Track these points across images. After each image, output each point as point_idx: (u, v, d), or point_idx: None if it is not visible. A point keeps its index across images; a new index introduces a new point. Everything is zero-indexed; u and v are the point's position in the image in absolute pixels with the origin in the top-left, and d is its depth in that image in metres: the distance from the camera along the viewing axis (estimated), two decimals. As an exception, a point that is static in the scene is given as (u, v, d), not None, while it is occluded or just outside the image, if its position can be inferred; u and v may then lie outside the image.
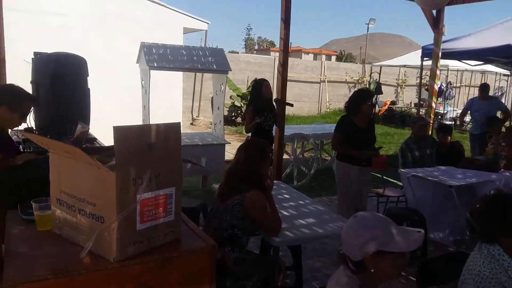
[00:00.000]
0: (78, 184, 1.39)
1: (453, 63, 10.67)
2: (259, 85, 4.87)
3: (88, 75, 3.49)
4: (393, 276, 1.50)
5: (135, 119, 5.96)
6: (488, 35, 6.59)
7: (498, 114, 7.17)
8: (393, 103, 16.02)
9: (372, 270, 1.45)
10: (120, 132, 1.27)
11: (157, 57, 5.02)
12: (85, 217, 1.37)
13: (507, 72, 13.51)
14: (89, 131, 3.07)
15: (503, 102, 15.45)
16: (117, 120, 6.22)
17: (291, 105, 5.19)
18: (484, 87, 6.84)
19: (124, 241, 1.31)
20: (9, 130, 2.98)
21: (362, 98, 3.95)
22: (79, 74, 3.35)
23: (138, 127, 1.37)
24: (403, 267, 1.49)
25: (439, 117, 13.21)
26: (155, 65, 4.96)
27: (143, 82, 5.43)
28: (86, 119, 3.38)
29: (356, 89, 16.25)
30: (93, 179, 1.33)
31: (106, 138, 3.58)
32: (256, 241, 3.56)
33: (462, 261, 1.99)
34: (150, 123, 5.27)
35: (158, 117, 6.11)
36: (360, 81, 16.29)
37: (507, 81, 14.89)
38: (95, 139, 3.51)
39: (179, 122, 1.51)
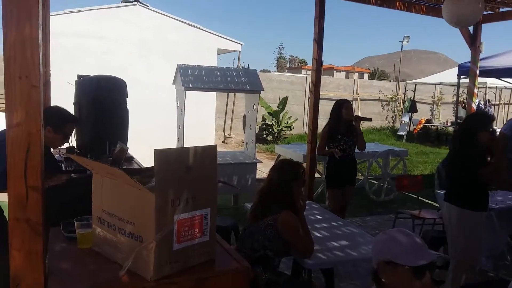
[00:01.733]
0: (118, 204, 1.45)
1: (491, 80, 10.36)
2: (338, 107, 4.46)
3: (127, 97, 3.63)
4: None
5: (171, 138, 6.12)
6: (528, 52, 6.40)
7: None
8: (428, 121, 15.63)
9: (383, 280, 1.48)
10: (160, 154, 1.33)
11: (192, 78, 5.17)
12: (125, 236, 1.42)
13: (550, 89, 12.96)
14: (128, 150, 3.19)
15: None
16: (153, 139, 6.43)
17: (370, 119, 4.90)
18: None
19: (161, 261, 1.35)
20: (52, 149, 3.14)
21: (479, 123, 3.15)
22: (118, 96, 3.49)
23: (177, 150, 1.42)
24: None
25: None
26: (191, 86, 5.11)
27: (178, 103, 5.59)
28: (124, 139, 3.50)
29: (390, 106, 16.02)
30: (133, 199, 1.39)
31: (143, 156, 3.71)
32: (287, 261, 3.54)
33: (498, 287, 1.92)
34: (184, 141, 5.44)
35: (192, 135, 6.32)
36: (394, 99, 16.04)
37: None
38: (132, 158, 3.62)
39: (216, 145, 1.55)
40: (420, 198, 5.64)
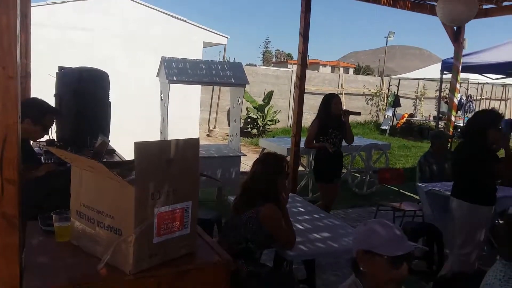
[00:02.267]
0: (97, 197, 1.44)
1: (473, 76, 10.54)
2: (328, 101, 4.45)
3: (109, 89, 3.59)
4: (388, 285, 1.50)
5: (154, 131, 6.07)
6: (510, 48, 6.51)
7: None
8: (411, 116, 15.84)
9: (361, 269, 1.52)
10: (140, 147, 1.32)
11: (177, 71, 5.13)
12: (104, 229, 1.41)
13: (530, 85, 13.25)
14: (109, 143, 3.15)
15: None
16: (136, 132, 6.37)
17: (359, 113, 4.97)
18: None
19: (140, 254, 1.35)
20: (31, 142, 3.09)
21: (489, 121, 3.19)
22: (100, 88, 3.45)
23: (157, 143, 1.41)
24: (398, 279, 1.49)
25: (458, 130, 13.01)
26: (175, 78, 5.07)
27: (162, 95, 5.54)
28: (106, 132, 3.46)
29: (374, 101, 16.17)
30: (113, 192, 1.38)
31: (125, 150, 3.67)
32: (269, 253, 3.56)
33: (479, 278, 1.97)
34: (168, 134, 5.41)
35: (176, 129, 6.28)
36: (378, 93, 16.20)
37: (530, 95, 14.63)
38: (114, 151, 3.59)
39: (198, 138, 1.55)
40: (401, 191, 5.73)
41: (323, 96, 4.79)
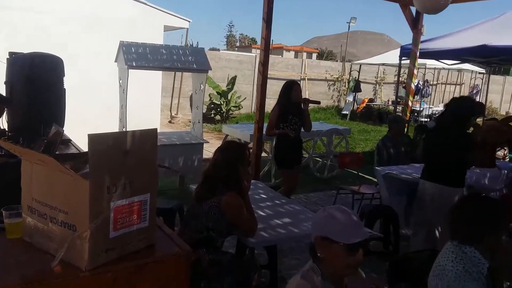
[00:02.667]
0: (50, 192, 1.39)
1: (430, 62, 10.90)
2: (288, 88, 4.47)
3: (64, 75, 3.44)
4: (344, 270, 1.55)
5: (113, 118, 5.91)
6: (465, 35, 6.77)
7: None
8: (371, 100, 16.26)
9: (319, 255, 1.56)
10: (94, 139, 1.28)
11: (136, 56, 4.99)
12: (57, 225, 1.37)
13: (482, 71, 13.87)
14: (65, 132, 3.04)
15: (479, 99, 15.91)
16: (94, 120, 6.19)
17: (318, 102, 5.01)
18: None
19: (96, 249, 1.32)
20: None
21: (470, 109, 3.42)
22: (54, 75, 3.30)
23: (113, 135, 1.37)
24: (354, 264, 1.54)
25: (415, 114, 13.49)
26: (134, 64, 4.93)
27: (121, 81, 5.39)
28: (60, 120, 3.33)
29: (336, 86, 16.43)
30: (66, 187, 1.33)
31: (83, 138, 3.55)
32: (231, 240, 3.59)
33: (432, 258, 2.08)
34: (128, 122, 5.28)
35: (136, 116, 6.14)
36: (340, 79, 16.47)
37: (482, 79, 15.28)
38: (69, 140, 3.47)
39: (156, 129, 1.52)
40: (360, 174, 5.91)
41: (286, 81, 4.82)
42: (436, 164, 3.47)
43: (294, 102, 4.43)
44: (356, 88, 15.02)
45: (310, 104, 4.77)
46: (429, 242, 3.39)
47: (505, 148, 6.76)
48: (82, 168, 1.45)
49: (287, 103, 4.45)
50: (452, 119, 3.39)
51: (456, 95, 17.98)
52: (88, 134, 1.27)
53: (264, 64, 5.12)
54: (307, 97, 4.72)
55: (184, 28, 10.20)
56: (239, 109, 13.32)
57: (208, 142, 6.35)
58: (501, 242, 1.92)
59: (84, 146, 2.89)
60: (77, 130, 3.73)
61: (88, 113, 7.17)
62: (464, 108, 3.41)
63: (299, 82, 4.86)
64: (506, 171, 4.84)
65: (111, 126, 5.84)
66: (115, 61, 5.49)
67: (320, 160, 7.40)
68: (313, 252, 1.60)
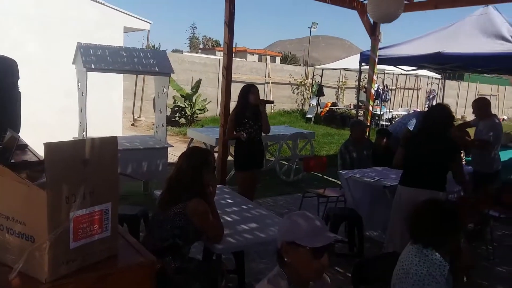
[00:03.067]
0: (5, 202, 1.32)
1: (389, 67, 11.26)
2: (246, 92, 4.47)
3: (19, 78, 3.28)
4: (310, 275, 1.57)
5: (73, 122, 5.71)
6: (421, 43, 7.04)
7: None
8: (334, 104, 16.60)
9: (286, 259, 1.57)
10: (51, 148, 1.22)
11: (95, 58, 4.84)
12: (14, 236, 1.30)
13: (438, 76, 14.49)
14: (21, 137, 2.90)
15: (435, 103, 16.56)
16: (53, 124, 5.94)
17: (272, 102, 5.00)
18: None
19: (56, 261, 1.27)
20: None
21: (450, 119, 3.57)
22: (7, 77, 3.13)
23: (70, 143, 1.32)
24: (320, 269, 1.56)
25: (376, 118, 13.89)
26: (93, 66, 4.78)
27: (79, 84, 5.21)
28: (16, 125, 3.17)
29: (300, 90, 16.65)
30: (22, 197, 1.27)
31: (40, 143, 3.40)
32: (198, 246, 3.55)
33: (395, 260, 2.14)
34: (88, 126, 5.11)
35: (96, 119, 5.97)
36: (303, 83, 16.71)
37: (438, 84, 15.96)
38: (26, 145, 3.30)
39: (116, 136, 1.47)
40: (325, 177, 6.00)
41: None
42: (432, 171, 3.48)
43: (251, 105, 4.45)
44: (319, 92, 15.30)
45: (274, 107, 4.81)
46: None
47: (461, 151, 7.07)
48: (39, 177, 1.39)
49: (244, 107, 4.46)
50: (436, 127, 3.48)
51: (414, 99, 18.70)
52: (44, 143, 1.22)
53: (227, 69, 5.12)
54: (263, 99, 4.67)
55: (145, 29, 10.03)
56: (204, 112, 13.23)
57: (173, 146, 6.26)
58: (460, 245, 2.00)
59: (41, 151, 2.76)
60: (34, 135, 3.57)
61: (46, 117, 6.91)
62: (444, 118, 3.52)
63: (258, 86, 4.86)
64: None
65: (71, 130, 5.65)
66: (73, 63, 5.31)
67: (286, 163, 7.47)
68: (280, 257, 1.61)
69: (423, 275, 1.91)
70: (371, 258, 2.78)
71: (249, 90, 4.49)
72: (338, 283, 3.36)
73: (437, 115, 3.54)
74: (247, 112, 4.45)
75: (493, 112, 5.00)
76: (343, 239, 1.60)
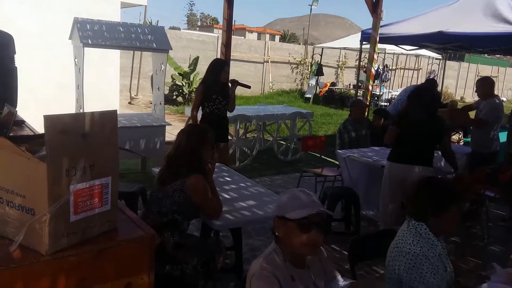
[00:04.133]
0: (5, 175, 1.32)
1: (389, 47, 11.16)
2: (219, 68, 4.54)
3: (15, 53, 3.24)
4: (301, 249, 1.58)
5: (69, 99, 5.67)
6: (423, 21, 6.95)
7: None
8: (333, 84, 16.50)
9: (276, 234, 1.61)
10: (51, 121, 1.22)
11: (91, 33, 4.76)
12: (14, 209, 1.31)
13: (439, 56, 14.39)
14: (18, 113, 2.88)
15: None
16: (49, 100, 5.90)
17: (248, 86, 5.03)
18: None
19: (56, 233, 1.28)
20: None
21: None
22: (4, 52, 3.10)
23: (70, 116, 1.31)
24: (309, 243, 1.55)
25: (376, 98, 13.85)
26: (90, 42, 4.71)
27: (76, 60, 5.15)
28: (13, 100, 3.15)
29: (299, 69, 16.53)
30: (22, 170, 1.27)
31: (38, 119, 3.38)
32: (196, 223, 3.58)
33: (390, 238, 2.16)
34: (85, 103, 5.07)
35: (93, 96, 5.92)
36: (302, 62, 16.56)
37: (439, 65, 15.87)
38: (23, 121, 3.29)
39: (116, 110, 1.46)
40: (323, 157, 6.02)
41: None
42: (429, 149, 3.62)
43: (221, 82, 4.51)
44: (319, 71, 15.17)
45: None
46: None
47: (460, 132, 7.09)
48: (38, 150, 1.38)
49: (213, 83, 4.50)
50: (426, 108, 3.55)
51: (414, 80, 18.61)
52: (44, 116, 1.21)
53: (227, 46, 5.08)
54: (238, 80, 4.71)
55: (142, 5, 9.87)
56: (201, 91, 13.13)
57: (171, 125, 6.24)
58: (455, 222, 2.02)
59: (38, 129, 2.75)
60: (30, 112, 3.55)
61: (42, 94, 6.84)
62: (433, 100, 3.63)
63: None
64: (460, 154, 5.09)
65: (68, 107, 5.59)
66: (69, 38, 5.23)
67: (284, 143, 7.47)
68: (274, 232, 1.64)
69: (417, 254, 1.94)
70: (367, 235, 2.82)
71: (223, 68, 4.56)
72: (335, 260, 3.40)
73: (428, 98, 3.62)
74: (217, 88, 4.51)
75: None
76: (330, 213, 1.60)
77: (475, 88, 5.04)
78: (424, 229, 1.99)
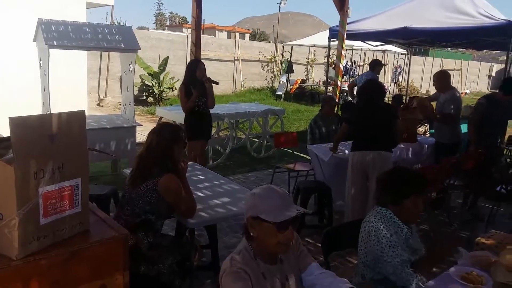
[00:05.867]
0: (-30, 180, 1.29)
1: (357, 43, 11.36)
2: (193, 67, 4.80)
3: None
4: (275, 248, 1.59)
5: (35, 102, 5.51)
6: (387, 17, 7.12)
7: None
8: (303, 81, 16.67)
9: (251, 234, 1.60)
10: (16, 123, 1.20)
11: (57, 35, 4.64)
12: (-19, 214, 1.28)
13: (405, 52, 14.76)
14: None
15: (401, 79, 16.93)
16: (14, 104, 5.70)
17: (216, 83, 5.14)
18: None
19: (26, 237, 1.26)
20: None
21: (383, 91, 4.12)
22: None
23: (37, 117, 1.30)
24: (284, 241, 1.57)
25: (344, 94, 14.09)
26: (55, 43, 4.59)
27: (41, 62, 5.01)
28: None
29: (269, 67, 16.60)
30: (-12, 174, 1.24)
31: (2, 124, 3.28)
32: (171, 222, 3.57)
33: (359, 227, 2.24)
34: (51, 105, 4.94)
35: (60, 99, 5.77)
36: (273, 60, 16.65)
37: (404, 60, 16.27)
38: (-12, 126, 3.19)
39: (84, 110, 1.45)
40: (295, 152, 6.09)
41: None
42: (387, 136, 3.88)
43: (198, 80, 4.73)
44: (289, 69, 15.30)
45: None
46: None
47: (426, 124, 7.31)
48: (5, 154, 1.35)
49: (191, 81, 4.73)
50: (375, 100, 3.91)
51: (381, 75, 19.00)
52: (10, 118, 1.19)
53: (196, 45, 5.05)
54: (209, 77, 4.87)
55: (108, 5, 9.67)
56: (172, 90, 13.00)
57: (141, 125, 6.16)
58: (416, 211, 2.11)
59: (3, 133, 2.67)
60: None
61: (5, 97, 6.62)
62: (378, 89, 4.00)
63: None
64: (427, 146, 5.27)
65: (34, 111, 5.42)
66: (34, 40, 5.08)
67: (257, 140, 7.51)
68: (246, 232, 1.63)
69: (381, 229, 2.04)
70: (339, 226, 2.88)
71: (197, 65, 4.79)
72: (307, 253, 3.47)
73: (372, 90, 3.96)
74: (195, 86, 4.71)
75: (456, 86, 5.17)
76: (307, 211, 1.62)
77: (432, 82, 5.23)
78: (389, 213, 2.09)
